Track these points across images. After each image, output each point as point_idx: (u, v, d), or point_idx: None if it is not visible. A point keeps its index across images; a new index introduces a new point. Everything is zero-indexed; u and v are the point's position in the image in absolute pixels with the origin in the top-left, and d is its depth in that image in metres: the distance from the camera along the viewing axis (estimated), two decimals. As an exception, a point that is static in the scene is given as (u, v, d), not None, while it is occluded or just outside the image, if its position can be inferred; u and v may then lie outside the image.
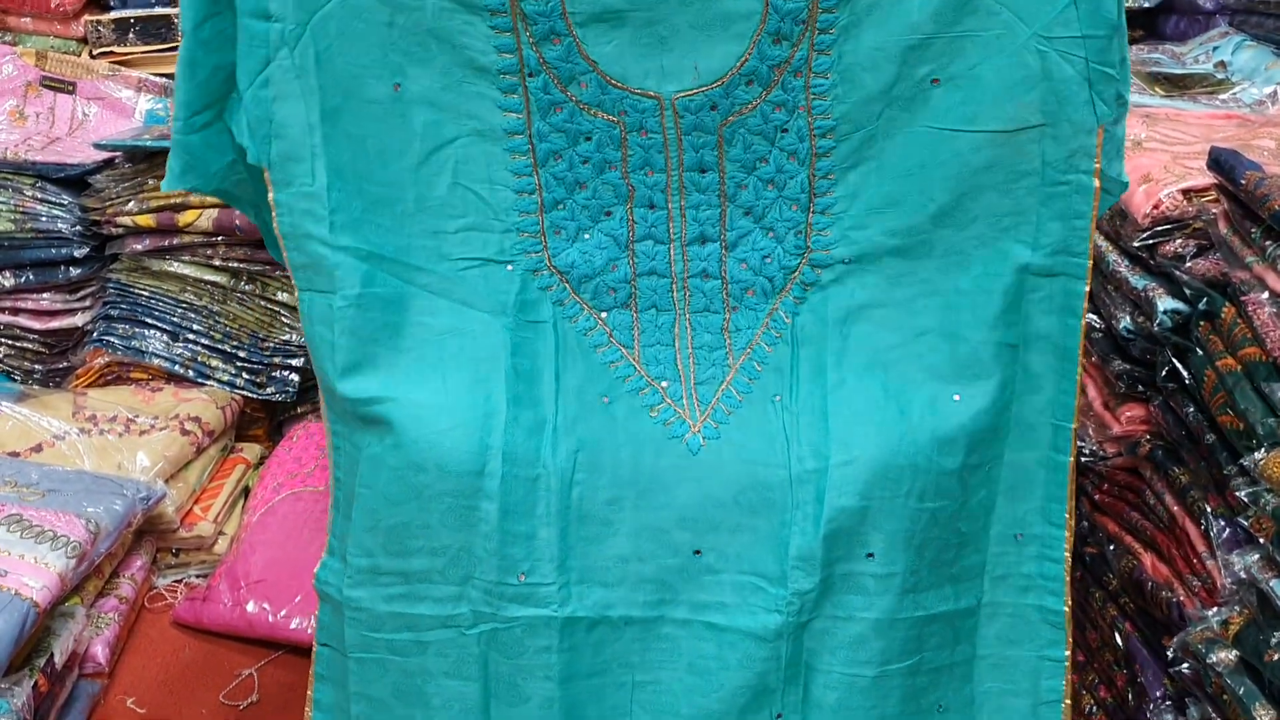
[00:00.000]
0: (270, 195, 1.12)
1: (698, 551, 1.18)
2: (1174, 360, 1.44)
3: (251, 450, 2.26)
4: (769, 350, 1.21)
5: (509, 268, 1.17)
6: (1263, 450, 1.21)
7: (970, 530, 1.21)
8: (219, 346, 2.22)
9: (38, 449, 1.98)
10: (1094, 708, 1.61)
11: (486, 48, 1.11)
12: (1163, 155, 1.61)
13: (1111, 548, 1.60)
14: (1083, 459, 1.62)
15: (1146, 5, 2.37)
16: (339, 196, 1.13)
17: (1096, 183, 1.11)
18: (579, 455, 1.16)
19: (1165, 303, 1.46)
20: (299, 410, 2.34)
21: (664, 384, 1.20)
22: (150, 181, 2.13)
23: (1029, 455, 1.20)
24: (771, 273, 1.20)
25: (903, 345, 1.18)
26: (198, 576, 2.07)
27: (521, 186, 1.18)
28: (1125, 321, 1.52)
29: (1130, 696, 1.51)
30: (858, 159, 1.15)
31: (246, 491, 2.16)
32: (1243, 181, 1.35)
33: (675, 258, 1.21)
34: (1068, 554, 1.20)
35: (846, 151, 1.15)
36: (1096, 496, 1.65)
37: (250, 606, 1.89)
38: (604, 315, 1.21)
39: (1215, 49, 2.15)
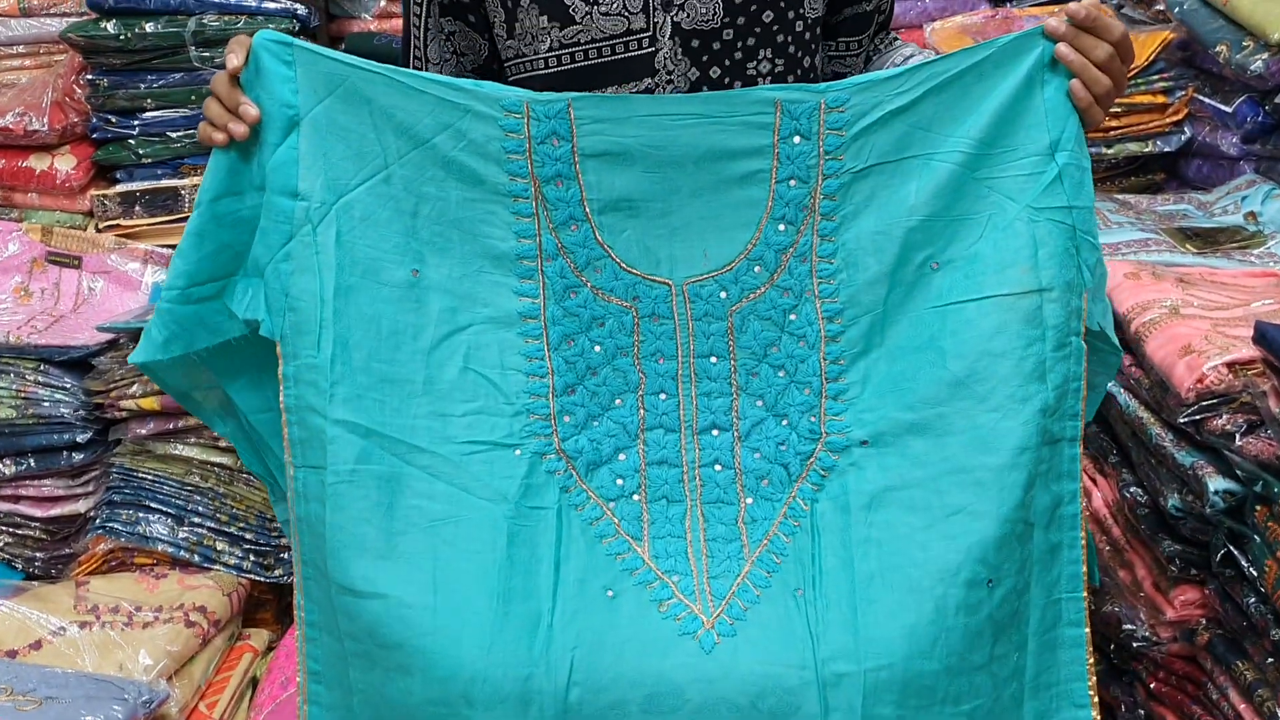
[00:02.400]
0: (280, 369, 1.17)
1: None
2: (1229, 545, 1.42)
3: (259, 636, 2.25)
4: (787, 540, 1.21)
5: (516, 452, 1.20)
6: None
7: None
8: (225, 529, 2.23)
9: (36, 646, 1.98)
10: None
11: (507, 234, 1.20)
12: (1202, 323, 1.63)
13: (1174, 743, 1.56)
14: (1135, 644, 1.59)
15: (1167, 150, 2.41)
16: (343, 370, 1.17)
17: (1085, 345, 1.17)
18: (576, 653, 1.15)
19: (1216, 482, 1.45)
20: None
21: (675, 578, 1.19)
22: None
23: (1049, 635, 1.20)
24: (787, 459, 1.23)
25: (931, 527, 1.17)
26: (203, 780, 2.04)
27: (533, 370, 1.23)
28: (1174, 500, 1.51)
29: None
30: (867, 343, 1.21)
31: (255, 683, 2.14)
32: (1292, 358, 1.36)
33: (686, 446, 1.24)
34: None
35: (855, 335, 1.21)
36: (1153, 685, 1.62)
37: (258, 817, 1.84)
38: (612, 505, 1.23)
39: (1244, 199, 2.18)
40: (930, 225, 1.19)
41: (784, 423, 1.24)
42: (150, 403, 2.15)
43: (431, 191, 1.21)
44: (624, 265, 1.22)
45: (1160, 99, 2.42)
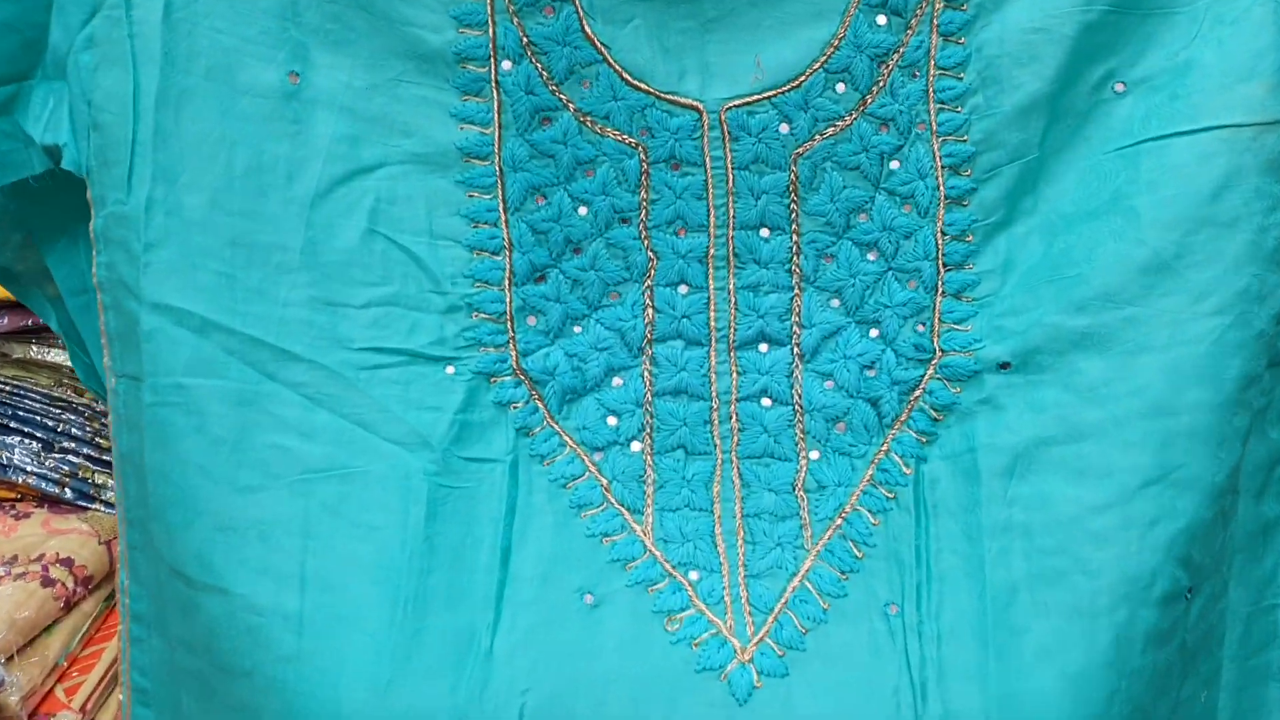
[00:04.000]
0: (92, 224, 0.92)
1: None
2: None
3: None
4: (875, 523, 0.94)
5: (449, 370, 0.94)
6: None
7: None
8: (107, 458, 1.94)
9: None
10: None
11: (441, 20, 0.94)
12: None
13: None
14: None
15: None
16: (167, 224, 0.90)
17: None
18: (529, 701, 0.86)
19: None
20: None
21: (692, 575, 0.92)
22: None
23: (1255, 661, 0.99)
24: (878, 392, 0.96)
25: (1113, 507, 0.89)
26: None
27: (479, 241, 0.95)
28: None
29: None
30: (1012, 208, 0.94)
31: None
32: None
33: (718, 370, 0.97)
34: None
35: (994, 195, 0.94)
36: None
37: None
38: (597, 458, 0.96)
39: None
40: (1116, 20, 0.91)
41: (874, 333, 0.96)
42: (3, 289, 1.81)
43: None
44: (627, 76, 0.93)
45: None
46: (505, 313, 0.95)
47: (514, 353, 0.95)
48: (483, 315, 0.95)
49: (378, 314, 0.92)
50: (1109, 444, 0.89)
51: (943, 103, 0.93)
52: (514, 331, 0.95)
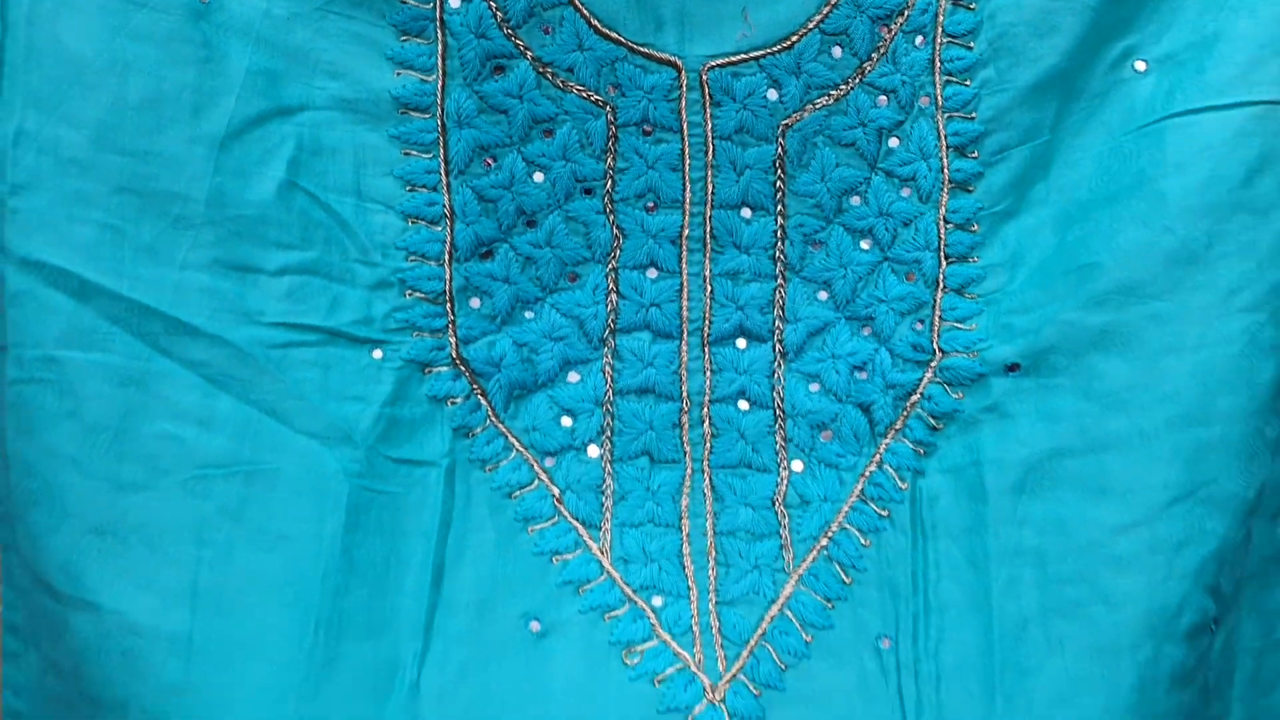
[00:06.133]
0: None
1: None
2: None
3: None
4: (866, 544, 0.89)
5: (375, 354, 0.87)
6: None
7: None
8: None
9: None
10: None
11: None
12: None
13: None
14: None
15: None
16: (39, 162, 0.79)
17: None
18: None
19: None
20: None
21: (655, 601, 0.87)
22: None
23: (1267, 701, 0.93)
24: (870, 396, 0.91)
25: (1136, 528, 0.83)
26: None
27: (416, 208, 0.88)
28: None
29: None
30: (1022, 194, 0.90)
31: None
32: None
33: (690, 366, 0.92)
34: None
35: (1004, 180, 0.90)
36: None
37: None
38: (548, 463, 0.90)
39: None
40: None
41: (866, 331, 0.92)
42: None
43: None
44: (596, 23, 0.88)
45: None
46: (444, 292, 0.88)
47: (453, 339, 0.88)
48: (417, 294, 0.88)
49: (294, 283, 0.84)
50: (1133, 457, 0.83)
51: (950, 74, 0.89)
52: (454, 315, 0.88)
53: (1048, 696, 0.81)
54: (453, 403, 0.89)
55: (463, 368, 0.88)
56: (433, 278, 0.87)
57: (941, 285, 0.90)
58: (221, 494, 0.80)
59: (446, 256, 0.88)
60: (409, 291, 0.87)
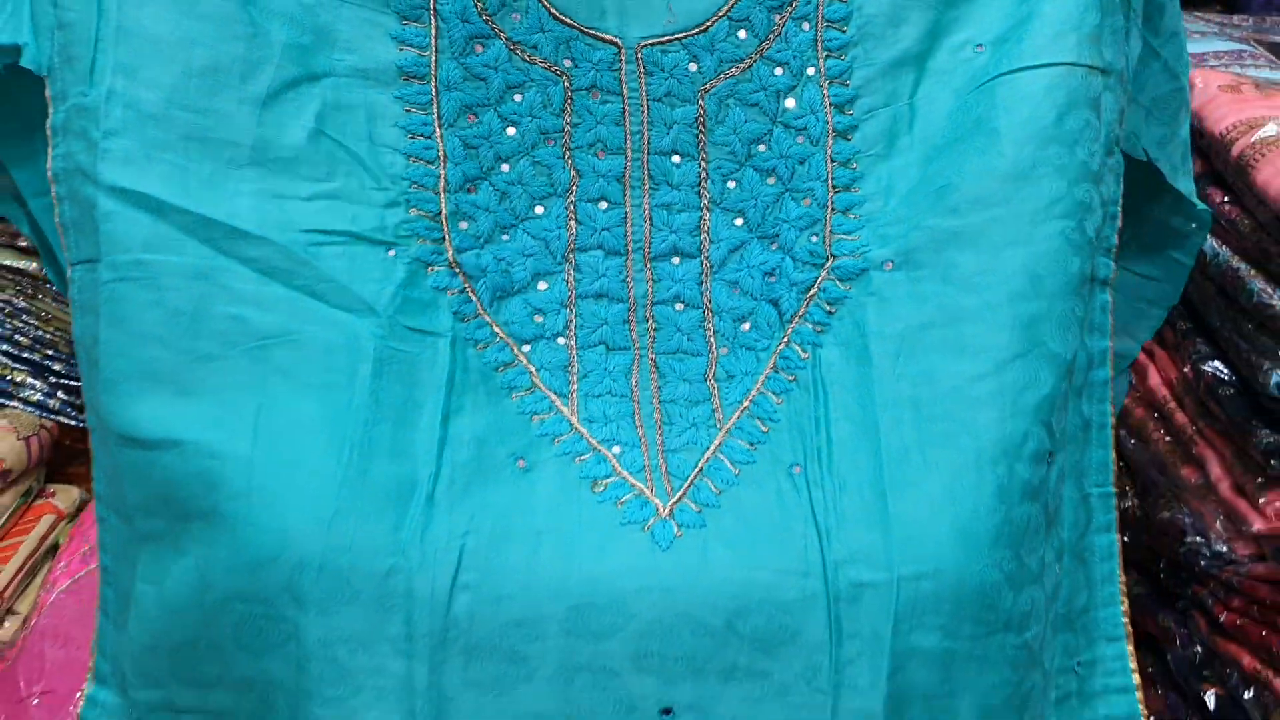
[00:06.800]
0: (49, 120, 0.92)
1: (667, 711, 0.87)
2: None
3: (67, 495, 1.86)
4: (779, 401, 0.99)
5: (389, 252, 0.96)
6: None
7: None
8: (27, 355, 1.89)
9: None
10: None
11: None
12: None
13: (1248, 693, 1.30)
14: (1201, 562, 1.34)
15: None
16: (126, 116, 0.90)
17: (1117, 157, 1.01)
18: (468, 543, 0.87)
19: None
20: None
21: (615, 450, 0.96)
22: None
23: (1079, 544, 1.05)
24: (778, 293, 1.02)
25: (988, 377, 0.94)
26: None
27: (416, 150, 0.99)
28: (1277, 376, 1.25)
29: None
30: (890, 144, 1.03)
31: (55, 551, 1.78)
32: None
33: (635, 277, 1.03)
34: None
35: (874, 132, 1.02)
36: (1223, 617, 1.35)
37: (33, 724, 1.50)
38: (526, 349, 1.00)
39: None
40: None
41: (774, 246, 1.02)
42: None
43: None
44: (554, 11, 1.00)
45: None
46: (440, 213, 0.98)
47: (449, 248, 0.98)
48: (419, 212, 0.98)
49: (322, 205, 0.95)
50: (983, 325, 0.95)
51: (829, 50, 1.01)
52: (448, 231, 0.99)
53: (929, 501, 0.90)
54: (451, 293, 0.98)
55: (457, 269, 0.98)
56: (430, 202, 0.98)
57: (831, 208, 1.01)
58: (278, 358, 0.90)
59: (440, 188, 0.99)
60: (413, 209, 0.98)
